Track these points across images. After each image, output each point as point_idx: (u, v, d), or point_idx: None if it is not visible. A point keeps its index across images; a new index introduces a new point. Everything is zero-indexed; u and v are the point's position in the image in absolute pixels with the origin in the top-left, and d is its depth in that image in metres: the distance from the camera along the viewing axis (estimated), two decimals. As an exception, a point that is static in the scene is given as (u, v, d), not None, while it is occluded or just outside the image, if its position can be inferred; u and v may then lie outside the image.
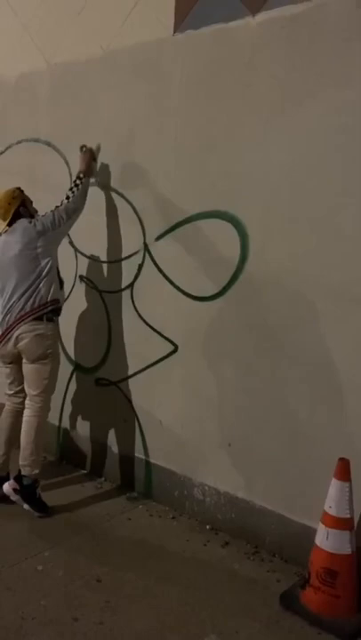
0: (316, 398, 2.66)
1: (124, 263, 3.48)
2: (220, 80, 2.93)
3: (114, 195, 3.49)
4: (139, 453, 3.46)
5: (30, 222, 3.22)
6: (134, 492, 3.46)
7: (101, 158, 3.52)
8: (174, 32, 3.10)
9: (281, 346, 2.77)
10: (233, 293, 2.95)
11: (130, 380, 3.49)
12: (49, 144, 3.83)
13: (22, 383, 3.29)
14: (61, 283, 3.35)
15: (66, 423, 3.90)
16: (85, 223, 3.62)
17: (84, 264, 3.73)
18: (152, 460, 3.40)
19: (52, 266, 3.23)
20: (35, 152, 3.95)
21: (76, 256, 3.75)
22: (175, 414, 3.26)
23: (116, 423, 3.57)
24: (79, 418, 3.83)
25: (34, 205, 3.42)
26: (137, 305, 3.43)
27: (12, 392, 3.40)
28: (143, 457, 3.43)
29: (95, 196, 3.55)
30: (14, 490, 3.16)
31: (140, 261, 3.39)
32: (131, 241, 3.41)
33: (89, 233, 3.64)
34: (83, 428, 3.79)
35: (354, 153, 2.47)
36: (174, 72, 3.13)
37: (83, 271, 3.73)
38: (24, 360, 3.21)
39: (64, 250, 3.74)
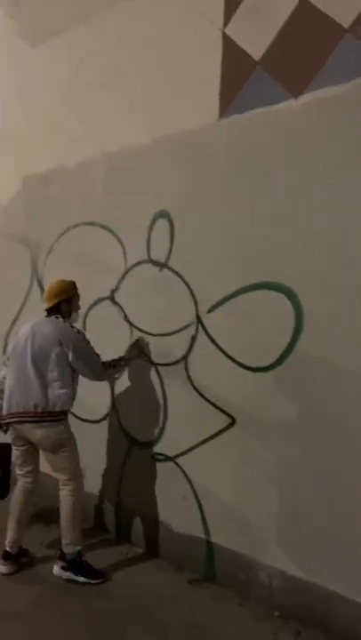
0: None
1: (177, 336, 3.52)
2: (264, 159, 3.05)
3: (166, 271, 3.59)
4: (199, 532, 3.33)
5: (65, 322, 3.36)
6: (196, 575, 3.30)
7: (155, 237, 3.66)
8: (220, 117, 3.28)
9: (341, 420, 2.68)
10: (290, 364, 2.91)
11: (187, 455, 3.42)
12: (104, 227, 4.03)
13: (32, 464, 3.44)
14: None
15: (123, 500, 3.83)
16: (140, 299, 3.75)
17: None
18: (213, 540, 3.26)
19: (63, 374, 3.27)
20: (90, 235, 4.16)
21: (131, 330, 3.83)
22: (236, 491, 3.15)
23: (175, 500, 3.48)
24: (136, 494, 3.76)
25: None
26: (192, 377, 3.43)
27: (22, 472, 3.46)
28: (204, 536, 3.30)
29: (149, 272, 3.67)
30: (63, 568, 3.23)
31: (193, 333, 3.42)
32: (183, 314, 3.47)
33: (143, 307, 3.74)
34: (140, 505, 3.71)
35: None
36: (220, 155, 3.28)
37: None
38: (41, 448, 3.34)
39: (119, 324, 3.85)
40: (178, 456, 3.48)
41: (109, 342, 3.96)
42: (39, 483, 3.52)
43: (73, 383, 3.36)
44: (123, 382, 3.89)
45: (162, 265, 3.62)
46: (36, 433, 3.24)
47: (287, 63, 2.98)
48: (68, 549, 3.25)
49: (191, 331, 3.43)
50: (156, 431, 3.62)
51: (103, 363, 3.43)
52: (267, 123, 3.04)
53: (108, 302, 4.00)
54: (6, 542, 3.38)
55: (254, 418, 3.07)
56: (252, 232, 3.11)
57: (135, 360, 3.69)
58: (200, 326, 3.38)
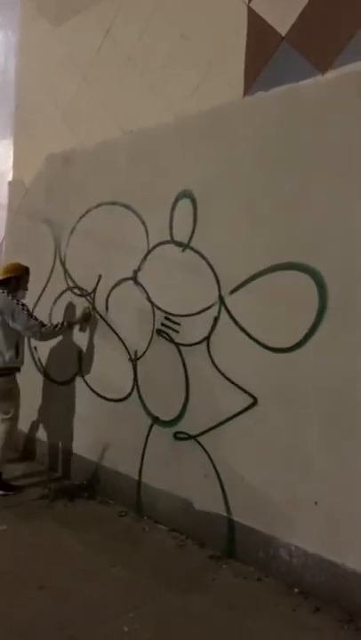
0: None
1: (199, 316, 3.53)
2: (291, 138, 3.00)
3: (189, 251, 3.58)
4: (220, 510, 3.38)
5: (8, 296, 4.16)
6: (218, 551, 3.36)
7: (178, 217, 3.65)
8: (244, 95, 3.23)
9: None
10: (313, 344, 2.91)
11: (209, 434, 3.46)
12: (127, 207, 4.02)
13: None
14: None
15: (145, 477, 3.89)
16: (162, 279, 3.75)
17: (161, 318, 3.81)
18: (234, 518, 3.31)
19: (6, 338, 4.14)
20: (112, 215, 4.16)
21: (153, 311, 3.85)
22: (257, 470, 3.18)
23: (196, 478, 3.52)
24: (158, 472, 3.82)
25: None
26: (214, 357, 3.45)
27: None
28: (225, 514, 3.35)
29: (171, 252, 3.67)
30: None
31: (215, 314, 3.43)
32: (206, 294, 3.47)
33: (166, 288, 3.75)
34: (162, 483, 3.77)
35: None
36: (245, 133, 3.24)
37: (160, 325, 3.81)
38: None
39: (141, 304, 3.88)
40: (199, 435, 3.51)
41: (132, 323, 4.01)
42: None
43: (17, 345, 4.20)
44: (145, 362, 3.92)
45: (184, 245, 3.62)
46: None
47: (314, 38, 2.92)
48: None
49: (214, 311, 3.43)
50: (178, 410, 3.66)
51: (44, 325, 4.20)
52: (293, 99, 2.99)
53: (130, 283, 4.02)
54: None
55: (277, 398, 3.08)
56: (278, 212, 3.08)
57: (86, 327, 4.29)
58: (223, 307, 3.38)
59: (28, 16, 5.16)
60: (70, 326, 4.37)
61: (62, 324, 4.33)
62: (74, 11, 4.56)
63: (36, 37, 5.04)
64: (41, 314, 4.79)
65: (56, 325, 4.29)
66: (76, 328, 4.43)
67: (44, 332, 4.19)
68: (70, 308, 4.54)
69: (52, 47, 4.83)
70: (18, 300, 4.18)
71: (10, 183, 5.32)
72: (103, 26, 4.27)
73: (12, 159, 5.30)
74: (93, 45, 4.35)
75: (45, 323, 4.28)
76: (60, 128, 4.69)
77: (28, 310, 4.20)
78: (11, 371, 4.22)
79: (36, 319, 4.19)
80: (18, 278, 4.26)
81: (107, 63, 4.24)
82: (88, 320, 4.34)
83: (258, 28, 3.17)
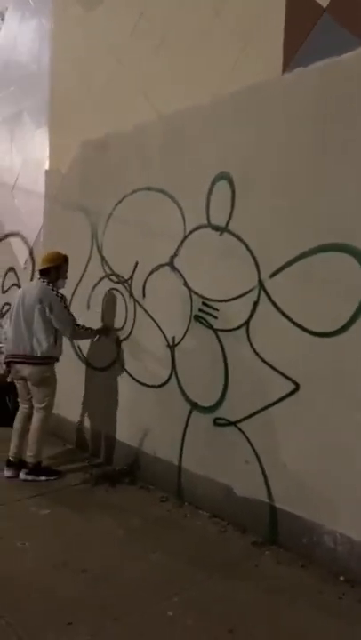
0: None
1: (238, 301, 3.47)
2: (333, 115, 2.89)
3: (227, 235, 3.52)
4: (262, 496, 3.34)
5: (48, 285, 4.21)
6: (260, 537, 3.33)
7: (215, 201, 3.59)
8: (283, 71, 3.13)
9: None
10: (358, 328, 2.81)
11: (249, 420, 3.42)
12: (163, 191, 3.98)
13: (29, 395, 4.32)
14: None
15: (185, 463, 3.89)
16: (199, 264, 3.71)
17: (198, 304, 3.77)
18: (276, 505, 3.27)
19: (45, 327, 4.14)
20: (148, 200, 4.13)
21: (191, 296, 3.81)
22: (300, 456, 3.13)
23: (238, 464, 3.49)
24: (199, 458, 3.80)
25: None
26: (253, 343, 3.39)
27: (22, 401, 4.39)
28: (267, 500, 3.31)
29: (208, 237, 3.62)
30: (26, 473, 4.18)
31: (255, 299, 3.36)
32: (245, 279, 3.41)
33: (203, 273, 3.70)
34: (203, 469, 3.75)
35: None
36: (284, 112, 3.14)
37: (197, 311, 3.77)
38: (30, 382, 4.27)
39: (178, 290, 3.84)
40: (240, 421, 3.48)
41: (169, 309, 3.98)
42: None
43: (56, 334, 4.19)
44: (183, 348, 3.90)
45: (222, 229, 3.55)
46: (25, 369, 4.17)
47: (357, 7, 2.78)
48: (31, 459, 4.19)
49: (253, 296, 3.37)
50: (218, 396, 3.63)
51: (78, 325, 4.30)
52: (334, 73, 2.87)
53: (167, 268, 3.99)
54: (10, 454, 4.27)
55: (319, 383, 3.01)
56: (320, 193, 2.98)
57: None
58: (262, 291, 3.31)
59: (61, 2, 5.13)
60: (97, 334, 4.54)
61: (93, 331, 4.46)
62: (106, -6, 4.52)
63: (69, 23, 5.02)
64: (79, 301, 4.84)
65: (88, 329, 4.41)
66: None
67: (76, 332, 4.30)
68: (108, 312, 4.59)
69: (84, 32, 4.80)
70: (57, 292, 4.20)
71: (46, 172, 5.35)
72: (136, 8, 4.21)
73: (48, 147, 5.32)
74: (126, 28, 4.30)
75: (79, 323, 4.33)
76: (94, 114, 4.67)
77: (65, 304, 4.23)
78: (49, 360, 4.22)
79: (71, 315, 4.24)
80: (57, 267, 4.27)
81: (140, 46, 4.18)
82: (108, 334, 4.55)
83: (297, 1, 3.05)
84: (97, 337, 4.54)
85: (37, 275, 4.39)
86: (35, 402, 4.26)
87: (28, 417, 4.32)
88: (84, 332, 4.39)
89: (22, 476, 4.18)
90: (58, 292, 4.20)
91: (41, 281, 4.24)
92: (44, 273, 4.27)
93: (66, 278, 4.36)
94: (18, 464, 4.24)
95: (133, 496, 3.98)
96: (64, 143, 5.07)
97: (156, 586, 2.83)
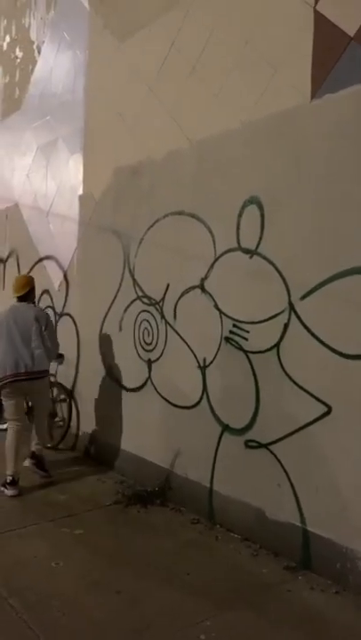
0: None
1: (268, 323, 3.50)
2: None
3: (257, 258, 3.57)
4: (294, 520, 3.32)
5: (36, 307, 4.81)
6: (292, 562, 3.30)
7: (245, 224, 3.65)
8: (312, 98, 3.19)
9: None
10: (390, 351, 2.81)
11: (281, 443, 3.41)
12: (194, 216, 4.06)
13: (21, 412, 4.65)
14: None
15: (217, 485, 3.88)
16: (230, 286, 3.75)
17: (229, 325, 3.80)
18: (309, 528, 3.24)
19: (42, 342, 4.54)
20: (179, 224, 4.21)
21: (221, 318, 3.85)
22: (332, 480, 3.10)
23: (269, 487, 3.48)
24: (230, 480, 3.80)
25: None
26: (285, 365, 3.40)
27: (13, 419, 4.56)
28: (300, 524, 3.29)
29: (238, 259, 3.67)
30: (34, 464, 4.68)
31: (285, 321, 3.38)
32: (275, 301, 3.43)
33: (233, 295, 3.75)
34: (235, 491, 3.75)
35: None
36: (313, 137, 3.20)
37: (228, 332, 3.81)
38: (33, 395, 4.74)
39: (209, 312, 3.89)
40: (271, 443, 3.47)
41: (200, 330, 4.03)
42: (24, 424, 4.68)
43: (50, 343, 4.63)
44: (214, 369, 3.93)
45: (252, 252, 3.60)
46: (26, 385, 4.47)
47: (385, 36, 2.84)
48: (38, 447, 4.70)
49: (283, 318, 3.39)
50: (249, 418, 3.63)
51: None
52: (362, 100, 2.92)
53: (198, 291, 4.05)
54: (10, 472, 4.36)
55: (353, 406, 3.00)
56: (350, 216, 3.01)
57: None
58: (293, 313, 3.33)
59: (95, 33, 5.33)
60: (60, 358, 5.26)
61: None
62: (139, 25, 4.68)
63: (103, 54, 5.20)
64: (111, 323, 4.95)
65: (59, 355, 5.09)
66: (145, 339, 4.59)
67: (56, 354, 4.85)
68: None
69: (118, 62, 4.97)
70: (46, 311, 4.92)
71: (80, 197, 5.51)
72: (168, 38, 4.35)
73: (82, 173, 5.49)
74: (158, 58, 4.45)
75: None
76: (127, 141, 4.81)
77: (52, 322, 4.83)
78: (47, 372, 4.67)
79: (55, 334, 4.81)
80: (32, 289, 4.77)
81: (172, 74, 4.32)
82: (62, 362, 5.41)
83: (325, 31, 3.12)
84: (60, 360, 5.31)
85: (14, 300, 4.72)
86: (42, 409, 4.81)
87: (20, 433, 4.54)
88: (57, 357, 5.00)
89: (27, 462, 4.71)
90: (47, 313, 4.87)
91: (26, 304, 4.67)
92: (23, 298, 4.68)
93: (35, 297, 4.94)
94: (18, 481, 4.40)
95: (165, 517, 4.00)
96: (98, 169, 5.23)
97: (189, 609, 2.83)
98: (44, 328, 4.52)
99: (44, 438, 4.86)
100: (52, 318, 5.28)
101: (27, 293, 4.69)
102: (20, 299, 4.67)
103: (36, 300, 4.92)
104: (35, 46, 6.54)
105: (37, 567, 3.23)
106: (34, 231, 6.39)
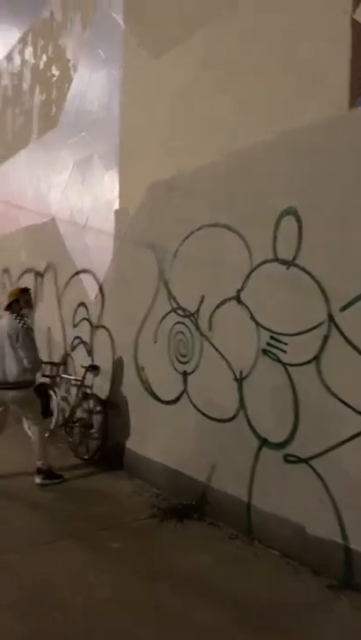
0: None
1: (308, 335, 3.44)
2: None
3: (294, 269, 3.53)
4: (336, 537, 3.23)
5: (15, 319, 4.84)
6: (334, 580, 3.21)
7: (282, 235, 3.62)
8: (350, 107, 3.15)
9: None
10: None
11: (322, 458, 3.34)
12: (229, 227, 4.06)
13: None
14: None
15: (255, 500, 3.82)
16: (266, 298, 3.72)
17: (266, 337, 3.76)
18: (352, 546, 3.14)
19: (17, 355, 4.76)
20: (214, 236, 4.21)
21: (258, 330, 3.82)
22: (376, 496, 3.01)
23: (310, 503, 3.40)
24: (269, 495, 3.73)
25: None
26: (325, 377, 3.34)
27: None
28: (341, 541, 3.20)
29: (275, 270, 3.64)
30: (41, 478, 4.81)
31: (325, 332, 3.33)
32: (314, 312, 3.38)
33: (270, 307, 3.71)
34: (274, 506, 3.68)
35: None
36: (350, 146, 3.16)
37: (265, 344, 3.77)
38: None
39: (245, 324, 3.86)
40: (311, 458, 3.40)
41: (236, 342, 4.00)
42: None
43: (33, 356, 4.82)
44: (251, 381, 3.89)
45: (289, 263, 3.56)
46: (9, 395, 4.80)
47: None
48: (44, 466, 4.86)
49: (323, 330, 3.33)
50: (288, 432, 3.57)
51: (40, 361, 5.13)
52: None
53: (233, 302, 4.02)
54: None
55: (396, 420, 2.91)
56: (389, 225, 2.95)
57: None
58: (333, 325, 3.27)
59: (130, 51, 5.42)
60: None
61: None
62: (173, 42, 4.74)
63: (137, 71, 5.29)
64: (147, 334, 4.96)
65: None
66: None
67: (36, 360, 4.90)
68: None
69: (151, 79, 5.04)
70: (24, 323, 4.84)
71: (116, 212, 5.58)
72: (200, 54, 4.39)
73: (117, 189, 5.56)
74: (191, 73, 4.48)
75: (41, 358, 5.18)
76: (161, 157, 4.85)
77: (30, 335, 4.84)
78: (22, 384, 4.84)
79: (35, 350, 4.89)
80: (17, 300, 4.96)
81: (205, 89, 4.34)
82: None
83: (362, 39, 3.09)
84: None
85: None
86: (29, 420, 5.09)
87: None
88: (40, 364, 5.17)
89: (38, 480, 4.83)
90: (25, 324, 4.84)
91: (8, 314, 4.92)
92: (7, 308, 4.97)
93: (30, 307, 5.11)
94: None
95: (202, 532, 3.95)
96: (132, 184, 5.29)
97: (229, 627, 2.78)
98: (16, 341, 4.74)
99: (36, 451, 4.96)
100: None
101: (10, 304, 4.98)
102: (6, 309, 5.00)
103: (35, 309, 5.30)
104: (70, 64, 6.69)
105: (76, 580, 3.22)
106: (70, 245, 6.49)
